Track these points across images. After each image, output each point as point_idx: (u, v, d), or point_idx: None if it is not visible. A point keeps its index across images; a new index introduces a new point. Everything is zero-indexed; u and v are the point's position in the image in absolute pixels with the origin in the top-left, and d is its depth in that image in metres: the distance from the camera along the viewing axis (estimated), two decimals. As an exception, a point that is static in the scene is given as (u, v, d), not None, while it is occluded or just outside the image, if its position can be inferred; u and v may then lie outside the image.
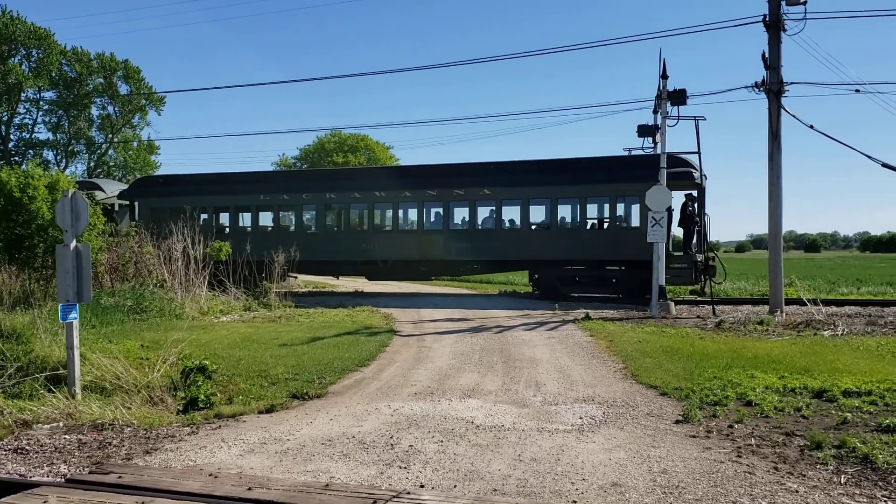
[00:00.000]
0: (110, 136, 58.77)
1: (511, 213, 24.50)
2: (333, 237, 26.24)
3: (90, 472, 6.11)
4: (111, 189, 29.31)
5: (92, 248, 14.84)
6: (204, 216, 26.82)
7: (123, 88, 57.01)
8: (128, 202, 28.53)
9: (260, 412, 8.76)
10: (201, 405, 9.17)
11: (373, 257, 25.32)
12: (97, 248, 18.33)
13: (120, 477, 5.70)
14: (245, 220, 27.55)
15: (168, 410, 9.16)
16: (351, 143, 60.40)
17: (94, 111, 58.25)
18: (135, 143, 59.96)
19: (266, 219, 27.29)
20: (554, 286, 23.20)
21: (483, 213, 24.69)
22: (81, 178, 29.39)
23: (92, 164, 58.65)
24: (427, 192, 24.77)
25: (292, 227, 26.87)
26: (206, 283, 20.44)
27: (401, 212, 25.83)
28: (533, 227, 24.07)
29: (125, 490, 5.43)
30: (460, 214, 25.27)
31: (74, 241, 9.64)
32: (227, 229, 26.70)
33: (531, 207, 24.05)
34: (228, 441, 7.42)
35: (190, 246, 20.36)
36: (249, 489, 5.34)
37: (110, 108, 58.01)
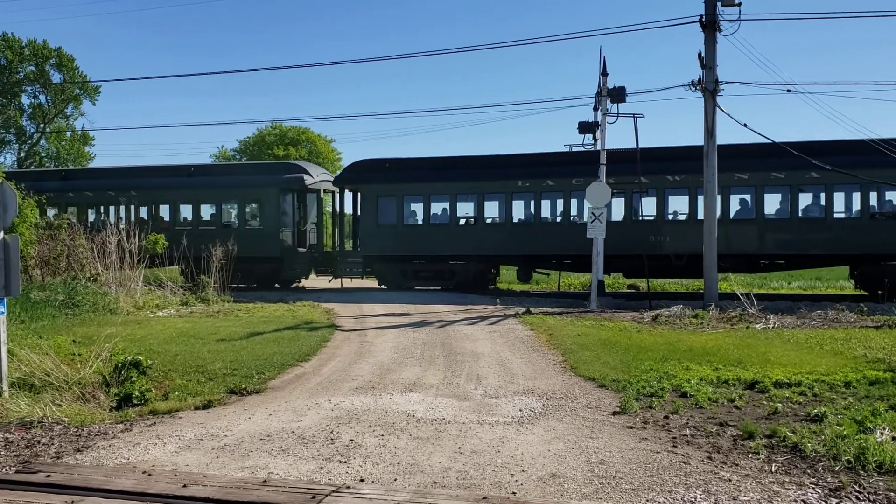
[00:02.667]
0: (42, 125, 56.90)
1: None
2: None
3: (17, 472, 5.90)
4: (317, 174, 27.60)
5: (22, 241, 14.36)
6: (444, 205, 25.05)
7: (56, 77, 55.24)
8: (337, 189, 27.13)
9: (197, 408, 8.59)
10: (135, 402, 8.95)
11: None
12: (27, 240, 17.74)
13: (49, 476, 5.52)
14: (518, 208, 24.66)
15: (101, 407, 8.92)
16: (292, 136, 59.65)
17: (25, 100, 56.31)
18: (68, 134, 58.13)
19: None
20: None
21: None
22: (288, 161, 27.73)
23: (22, 154, 56.70)
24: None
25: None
26: (141, 278, 19.96)
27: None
28: None
29: (54, 489, 5.27)
30: None
31: (2, 233, 9.30)
32: (474, 220, 24.64)
33: None
34: (163, 438, 7.25)
35: (125, 239, 19.86)
36: (185, 486, 5.23)
37: (42, 97, 56.16)
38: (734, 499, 5.39)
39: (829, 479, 5.76)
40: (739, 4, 17.99)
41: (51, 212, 27.18)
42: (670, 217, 22.91)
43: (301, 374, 10.51)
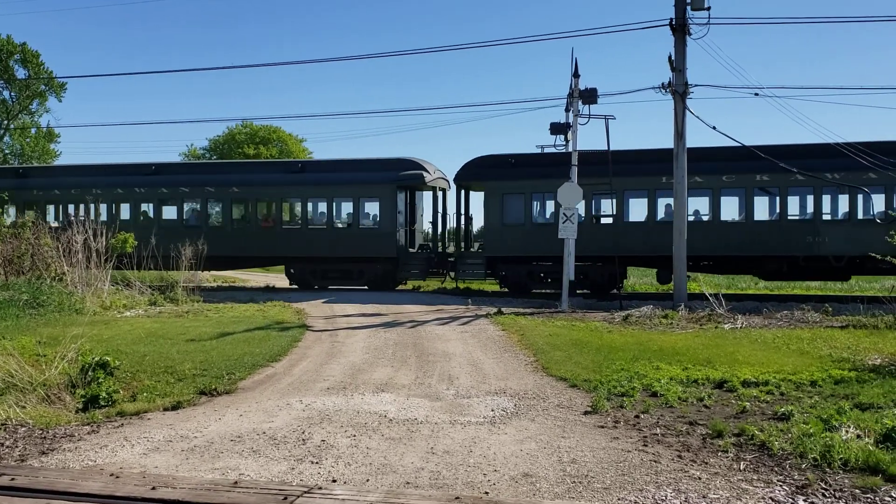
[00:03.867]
0: (6, 122, 55.88)
1: None
2: None
3: (-20, 475, 5.78)
4: (433, 170, 26.13)
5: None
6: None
7: (21, 73, 54.27)
8: (445, 187, 26.39)
9: (165, 409, 8.48)
10: (103, 403, 8.81)
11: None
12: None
13: (12, 479, 5.41)
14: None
15: (66, 409, 8.77)
16: (263, 135, 59.20)
17: (-11, 95, 55.24)
18: (33, 131, 57.13)
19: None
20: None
21: None
22: (405, 157, 25.54)
23: (-15, 150, 55.64)
24: None
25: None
26: (108, 278, 19.67)
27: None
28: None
29: (18, 493, 5.16)
30: None
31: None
32: (612, 217, 23.33)
33: None
34: (132, 439, 7.15)
35: (92, 238, 19.55)
36: (154, 489, 5.15)
37: (6, 93, 55.14)
38: (704, 497, 5.44)
39: (795, 477, 5.85)
40: (709, 9, 18.22)
41: (145, 205, 26.93)
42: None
43: (272, 375, 10.43)
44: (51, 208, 27.70)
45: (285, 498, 4.91)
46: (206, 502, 4.93)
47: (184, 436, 7.24)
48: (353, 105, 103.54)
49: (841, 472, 5.92)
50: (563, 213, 19.46)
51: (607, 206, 23.51)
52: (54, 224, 25.16)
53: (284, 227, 25.96)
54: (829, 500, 5.39)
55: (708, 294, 18.15)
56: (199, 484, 5.30)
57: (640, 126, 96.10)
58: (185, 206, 27.07)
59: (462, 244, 25.87)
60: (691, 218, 21.88)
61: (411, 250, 26.03)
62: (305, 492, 5.05)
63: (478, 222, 27.14)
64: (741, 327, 14.91)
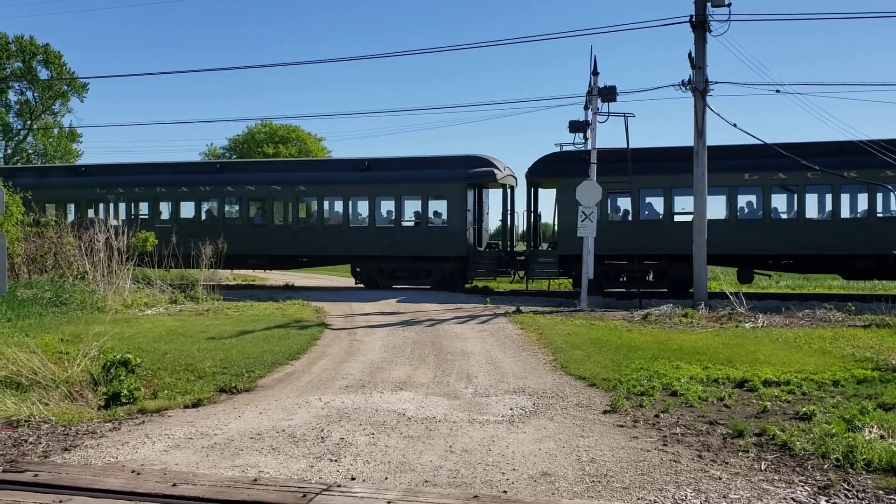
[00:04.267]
0: (29, 122, 56.51)
1: None
2: None
3: (4, 471, 5.84)
4: (503, 167, 25.68)
5: (8, 238, 14.26)
6: (657, 199, 23.29)
7: (44, 73, 54.89)
8: (512, 184, 25.99)
9: (186, 407, 8.54)
10: (124, 400, 8.90)
11: None
12: (14, 237, 17.62)
13: (36, 475, 5.48)
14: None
15: (88, 406, 8.86)
16: (282, 134, 59.46)
17: (13, 96, 55.93)
18: (55, 131, 57.75)
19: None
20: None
21: None
22: (474, 154, 25.17)
23: (9, 150, 56.31)
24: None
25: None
26: (130, 276, 19.85)
27: None
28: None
29: (42, 489, 5.22)
30: None
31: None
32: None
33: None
34: (152, 436, 7.21)
35: (113, 237, 19.73)
36: (174, 485, 5.20)
37: (29, 94, 55.78)
38: (724, 497, 5.40)
39: (817, 477, 5.79)
40: (729, 5, 18.07)
41: (207, 204, 26.81)
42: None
43: (291, 373, 10.47)
44: (111, 206, 27.39)
45: (304, 495, 4.93)
46: (226, 499, 4.96)
47: (204, 433, 7.29)
48: (358, 105, 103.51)
49: (864, 472, 5.85)
50: (582, 212, 19.38)
51: (687, 203, 22.70)
52: (115, 223, 25.14)
53: (351, 226, 25.51)
54: (852, 500, 5.33)
55: (728, 293, 18.01)
56: (219, 481, 5.34)
57: (660, 124, 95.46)
58: (252, 206, 26.72)
59: (532, 242, 25.26)
60: (785, 215, 22.09)
61: (480, 249, 25.64)
62: (324, 489, 5.07)
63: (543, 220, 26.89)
64: (762, 326, 14.78)
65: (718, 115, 19.05)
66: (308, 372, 10.53)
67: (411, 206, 26.00)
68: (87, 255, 19.55)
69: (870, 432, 6.64)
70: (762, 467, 6.10)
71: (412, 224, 25.61)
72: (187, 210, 27.01)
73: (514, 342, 13.12)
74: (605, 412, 8.09)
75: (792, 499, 5.37)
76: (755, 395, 8.71)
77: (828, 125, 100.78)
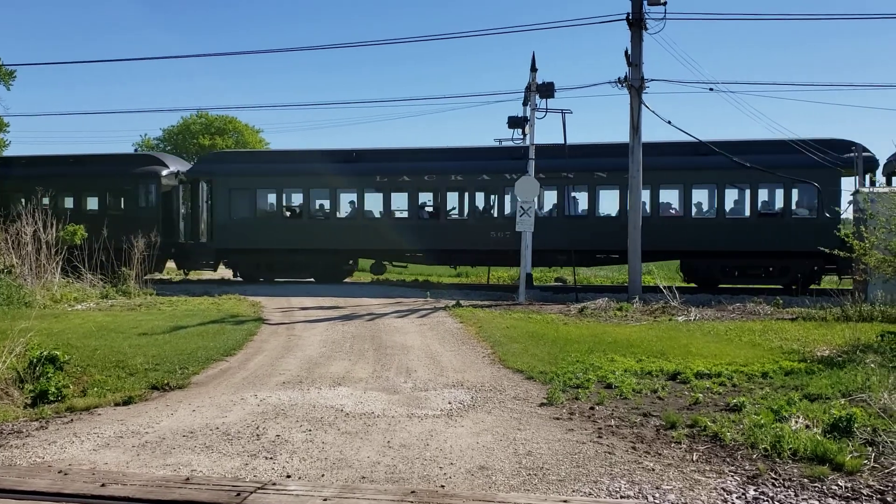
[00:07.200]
0: (-51, 110, 54.25)
1: None
2: None
3: (-79, 474, 5.60)
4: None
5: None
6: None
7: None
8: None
9: (117, 404, 8.32)
10: (52, 398, 8.61)
11: None
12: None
13: (-44, 477, 5.26)
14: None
15: (14, 404, 8.55)
16: (218, 125, 58.37)
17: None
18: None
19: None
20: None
21: None
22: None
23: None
24: None
25: None
26: (59, 270, 19.20)
27: None
28: None
29: (-38, 491, 5.02)
30: None
31: None
32: None
33: None
34: (81, 435, 7.00)
35: (41, 230, 19.07)
36: (103, 485, 5.05)
37: (-52, 81, 53.47)
38: (657, 488, 5.51)
39: (747, 467, 5.95)
40: (665, 3, 18.36)
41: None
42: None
43: (226, 369, 10.30)
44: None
45: (238, 494, 4.85)
46: (157, 499, 4.85)
47: (135, 431, 7.11)
48: (305, 96, 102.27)
49: (790, 461, 6.03)
50: (521, 207, 19.54)
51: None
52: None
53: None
54: (779, 489, 5.50)
55: (662, 286, 18.39)
56: (150, 480, 5.21)
57: (599, 119, 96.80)
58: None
59: None
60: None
61: None
62: (259, 487, 4.99)
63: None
64: (694, 319, 15.14)
65: (654, 112, 19.52)
66: (244, 368, 10.37)
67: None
68: (13, 248, 18.85)
69: (796, 422, 6.85)
70: (694, 458, 6.24)
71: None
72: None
73: (454, 336, 13.15)
74: (541, 405, 8.17)
75: (722, 489, 5.51)
76: (688, 387, 8.90)
77: (758, 123, 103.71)
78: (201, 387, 9.20)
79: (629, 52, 19.06)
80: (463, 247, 23.66)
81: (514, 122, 21.65)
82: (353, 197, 24.96)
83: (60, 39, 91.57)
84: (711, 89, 20.51)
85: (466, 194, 24.31)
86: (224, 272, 27.50)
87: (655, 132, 35.97)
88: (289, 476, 5.77)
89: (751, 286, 21.95)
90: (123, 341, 11.87)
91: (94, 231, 22.04)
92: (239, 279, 25.64)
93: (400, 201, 24.77)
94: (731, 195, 22.89)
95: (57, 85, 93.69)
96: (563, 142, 20.90)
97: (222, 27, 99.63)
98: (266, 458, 6.26)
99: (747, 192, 22.31)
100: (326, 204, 25.78)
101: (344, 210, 25.43)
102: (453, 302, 18.11)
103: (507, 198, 23.62)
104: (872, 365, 9.05)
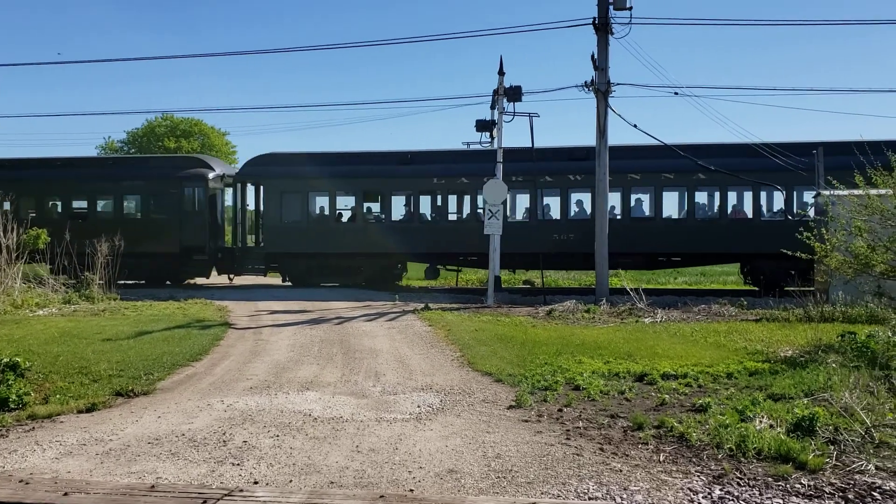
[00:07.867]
0: None
1: None
2: None
3: None
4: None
5: None
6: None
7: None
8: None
9: (80, 412, 8.18)
10: (12, 406, 8.43)
11: None
12: None
13: (-88, 488, 5.13)
14: None
15: (-27, 413, 8.36)
16: (184, 128, 57.73)
17: None
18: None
19: None
20: None
21: None
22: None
23: None
24: None
25: None
26: (20, 274, 18.82)
27: None
28: None
29: (-82, 503, 4.89)
30: None
31: None
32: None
33: None
34: (43, 444, 6.87)
35: (2, 234, 18.68)
36: (66, 494, 4.96)
37: None
38: (625, 489, 5.55)
39: (712, 467, 6.02)
40: (630, 8, 18.51)
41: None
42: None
43: (192, 375, 10.18)
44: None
45: (204, 502, 4.79)
46: (122, 508, 4.77)
47: (99, 439, 7.00)
48: (277, 97, 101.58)
49: (755, 461, 6.12)
50: (489, 210, 19.59)
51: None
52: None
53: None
54: (744, 488, 5.57)
55: (628, 289, 18.54)
56: (114, 489, 5.13)
57: (566, 122, 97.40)
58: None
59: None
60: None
61: None
62: (226, 494, 4.94)
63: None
64: (661, 321, 15.28)
65: (620, 115, 19.59)
66: (210, 373, 10.25)
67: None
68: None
69: (760, 422, 6.95)
70: (661, 459, 6.30)
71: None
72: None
73: (423, 339, 13.14)
74: (510, 407, 8.19)
75: (689, 489, 5.57)
76: (654, 388, 8.98)
77: (723, 127, 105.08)
78: (167, 393, 9.08)
79: (595, 56, 19.20)
80: (528, 249, 23.00)
81: (483, 126, 21.70)
82: (407, 199, 24.74)
83: (25, 42, 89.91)
84: (676, 93, 20.79)
85: (528, 196, 23.91)
86: (271, 278, 26.43)
87: (623, 135, 36.32)
88: (256, 482, 5.72)
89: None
90: (86, 347, 11.69)
91: (133, 236, 21.59)
92: (288, 283, 24.90)
93: (454, 203, 24.67)
94: (700, 197, 23.54)
95: (23, 87, 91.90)
96: (531, 144, 21.01)
97: (189, 28, 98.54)
98: (233, 465, 6.20)
99: (716, 194, 22.90)
100: (378, 207, 25.34)
101: (398, 213, 25.04)
102: (422, 305, 18.10)
103: (572, 200, 23.71)
104: (834, 365, 9.21)
